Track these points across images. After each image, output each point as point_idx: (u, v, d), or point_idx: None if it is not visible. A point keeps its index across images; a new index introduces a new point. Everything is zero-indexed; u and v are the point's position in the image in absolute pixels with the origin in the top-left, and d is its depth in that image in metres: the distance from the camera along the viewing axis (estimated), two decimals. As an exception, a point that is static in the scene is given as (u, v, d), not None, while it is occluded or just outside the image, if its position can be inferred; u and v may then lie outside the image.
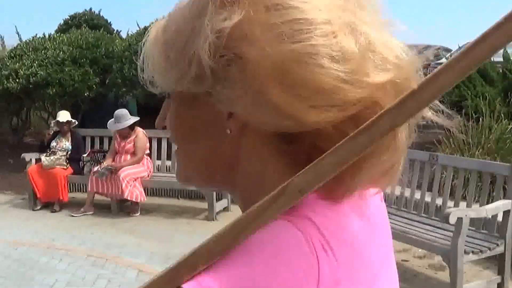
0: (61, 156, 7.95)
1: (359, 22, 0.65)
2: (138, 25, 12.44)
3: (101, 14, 16.23)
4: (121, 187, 7.32)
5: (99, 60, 9.69)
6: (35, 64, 9.55)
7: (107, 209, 7.76)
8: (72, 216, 7.62)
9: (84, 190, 8.33)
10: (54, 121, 8.27)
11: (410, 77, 0.64)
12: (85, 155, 8.07)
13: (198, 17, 0.66)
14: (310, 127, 0.63)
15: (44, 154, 8.01)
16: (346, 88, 0.62)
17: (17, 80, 9.47)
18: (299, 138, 0.65)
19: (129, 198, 7.41)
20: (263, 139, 0.68)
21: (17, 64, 9.86)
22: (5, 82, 9.74)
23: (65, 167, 7.98)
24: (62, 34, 10.57)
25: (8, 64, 10.08)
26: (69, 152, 8.02)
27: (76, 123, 8.37)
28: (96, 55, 9.66)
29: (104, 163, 7.59)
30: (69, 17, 15.81)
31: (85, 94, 9.47)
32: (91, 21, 15.71)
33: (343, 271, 0.63)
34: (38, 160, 8.22)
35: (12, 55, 10.43)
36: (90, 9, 16.15)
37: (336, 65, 0.62)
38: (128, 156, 7.62)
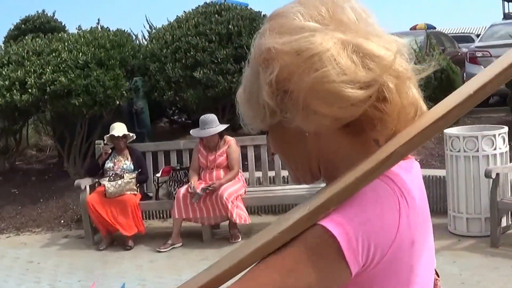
0: (131, 179, 6.12)
1: (347, 37, 0.96)
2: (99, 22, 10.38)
3: (55, 16, 14.01)
4: (228, 208, 5.68)
5: (127, 61, 7.81)
6: (48, 70, 7.52)
7: (195, 238, 6.07)
8: (160, 251, 5.86)
9: (157, 218, 6.57)
10: (107, 136, 6.41)
11: (393, 65, 0.96)
12: (158, 175, 6.28)
13: (257, 79, 1.00)
14: (344, 120, 0.96)
15: (107, 179, 6.15)
16: (351, 91, 0.93)
17: (29, 90, 7.39)
18: (352, 129, 0.99)
19: (237, 221, 5.77)
20: (331, 135, 1.01)
21: (19, 72, 7.76)
22: (6, 94, 7.63)
23: (135, 193, 6.17)
24: (75, 34, 8.51)
25: (3, 73, 7.93)
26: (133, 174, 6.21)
27: (134, 137, 6.54)
28: (124, 55, 7.78)
29: (193, 182, 5.88)
30: (20, 21, 13.56)
31: (117, 102, 7.58)
32: (47, 24, 13.57)
33: (410, 210, 0.97)
34: (92, 187, 6.35)
35: (4, 61, 8.26)
36: (43, 11, 13.90)
37: (340, 78, 0.93)
38: (221, 171, 5.97)
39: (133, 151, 6.50)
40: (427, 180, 6.01)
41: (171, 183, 6.17)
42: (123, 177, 6.13)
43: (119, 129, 6.40)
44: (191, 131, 6.21)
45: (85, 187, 6.25)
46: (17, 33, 12.97)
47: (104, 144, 6.53)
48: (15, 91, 7.62)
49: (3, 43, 12.47)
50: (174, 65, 7.42)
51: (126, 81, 7.65)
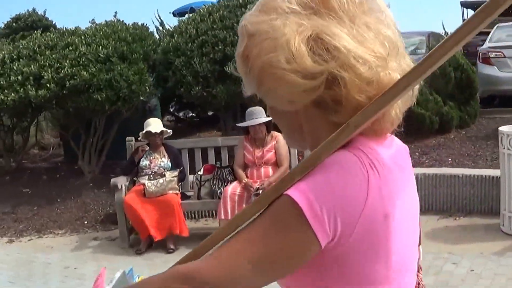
0: (173, 177, 5.71)
1: (320, 23, 0.95)
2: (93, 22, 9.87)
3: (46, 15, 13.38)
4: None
5: (149, 56, 7.35)
6: (66, 64, 7.01)
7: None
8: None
9: (193, 218, 6.18)
10: (142, 132, 5.97)
11: (348, 60, 0.94)
12: (200, 172, 5.88)
13: None
14: (300, 103, 1.00)
15: (146, 177, 5.71)
16: (297, 79, 0.94)
17: (47, 85, 6.87)
18: (323, 110, 1.00)
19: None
20: (309, 113, 1.02)
21: (32, 66, 7.22)
22: (20, 89, 7.08)
23: (177, 192, 5.76)
24: (91, 27, 7.98)
25: (14, 68, 7.37)
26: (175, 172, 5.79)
27: (171, 133, 6.12)
28: (146, 49, 7.31)
29: (245, 179, 5.51)
30: (11, 20, 12.90)
31: (141, 98, 7.13)
32: (39, 22, 12.94)
33: (383, 182, 0.97)
34: (128, 186, 5.91)
35: (14, 56, 7.69)
36: (34, 10, 13.23)
37: (287, 65, 0.94)
38: (269, 168, 5.62)
39: (169, 148, 6.08)
40: (477, 179, 5.81)
41: (215, 182, 5.78)
42: (164, 175, 5.71)
43: (155, 125, 5.98)
44: (238, 124, 5.85)
45: (121, 187, 5.80)
46: (8, 32, 12.38)
47: (138, 140, 6.09)
48: (29, 86, 7.09)
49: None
50: (201, 60, 7.02)
51: (149, 76, 7.20)
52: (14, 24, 12.82)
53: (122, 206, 5.73)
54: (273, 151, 5.63)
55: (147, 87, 7.09)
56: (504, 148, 5.30)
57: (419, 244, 1.14)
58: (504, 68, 9.01)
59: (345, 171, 0.94)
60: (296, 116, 1.04)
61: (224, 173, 5.77)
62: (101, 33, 7.44)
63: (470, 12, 27.12)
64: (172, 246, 5.63)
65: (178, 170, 5.83)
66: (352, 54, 0.94)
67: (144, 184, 5.68)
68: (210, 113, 9.46)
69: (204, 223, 6.33)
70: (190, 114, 10.01)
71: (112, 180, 5.85)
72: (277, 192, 0.94)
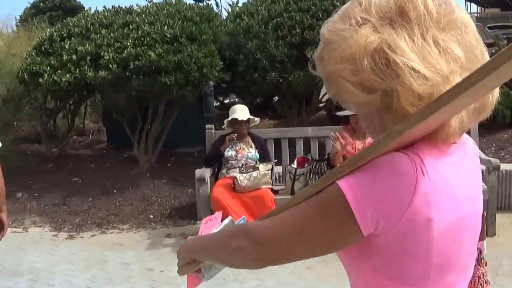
0: (268, 171, 5.03)
1: (389, 37, 1.00)
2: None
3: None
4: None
5: (218, 37, 6.63)
6: (128, 44, 6.27)
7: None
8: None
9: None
10: (227, 119, 5.29)
11: (407, 81, 0.99)
12: (294, 165, 5.20)
13: None
14: (364, 110, 1.08)
15: (237, 170, 5.04)
16: (356, 92, 1.02)
17: (109, 66, 6.14)
18: (391, 115, 1.03)
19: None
20: (380, 115, 1.07)
21: (88, 45, 6.48)
22: (75, 70, 6.35)
23: (271, 186, 5.09)
24: (150, 5, 7.21)
25: (66, 47, 6.63)
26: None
27: (258, 121, 5.44)
28: (215, 30, 6.59)
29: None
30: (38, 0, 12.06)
31: (210, 83, 6.44)
32: (68, 3, 12.12)
33: (432, 188, 1.00)
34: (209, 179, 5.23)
35: (64, 34, 6.94)
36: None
37: (351, 77, 1.01)
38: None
39: (255, 137, 5.41)
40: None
41: (311, 176, 5.11)
42: (257, 168, 5.03)
43: (242, 112, 5.29)
44: (337, 113, 5.19)
45: (207, 180, 5.11)
46: (35, 12, 11.54)
47: (222, 129, 5.41)
48: (85, 66, 6.35)
49: (19, 22, 11.11)
50: (277, 43, 6.33)
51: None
52: (41, 4, 11.98)
53: (208, 200, 5.04)
54: (376, 144, 4.96)
55: (216, 71, 6.38)
56: None
57: (483, 239, 1.22)
58: None
59: (395, 173, 0.99)
60: (369, 117, 1.09)
61: (322, 167, 5.11)
62: (164, 11, 6.70)
63: (474, 6, 26.73)
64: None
65: (272, 163, 5.17)
66: (410, 70, 0.97)
67: (234, 177, 5.00)
68: (259, 99, 8.79)
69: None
70: (235, 99, 9.30)
71: (199, 173, 5.14)
72: (330, 179, 1.03)
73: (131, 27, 6.55)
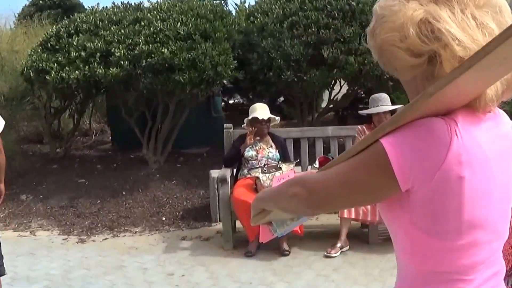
0: (290, 171, 4.84)
1: (432, 8, 1.12)
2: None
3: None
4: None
5: (232, 35, 6.43)
6: (140, 40, 6.06)
7: (356, 239, 4.90)
8: (328, 256, 4.65)
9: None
10: (247, 118, 5.10)
11: (450, 44, 1.10)
12: (316, 165, 5.02)
13: None
14: (411, 75, 1.18)
15: (259, 170, 4.85)
16: (405, 57, 1.13)
17: (121, 63, 5.92)
18: (430, 78, 1.14)
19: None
20: (426, 82, 1.16)
21: (97, 42, 6.25)
22: (84, 67, 6.11)
23: (294, 188, 4.90)
24: (160, 1, 6.99)
25: (74, 43, 6.40)
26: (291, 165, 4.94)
27: (279, 120, 5.26)
28: (229, 28, 6.39)
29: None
30: (37, -3, 11.75)
31: (224, 82, 6.24)
32: (68, 1, 11.81)
33: (465, 149, 1.11)
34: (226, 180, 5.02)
35: (71, 30, 6.70)
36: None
37: (400, 44, 1.13)
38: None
39: (275, 137, 5.22)
40: None
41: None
42: (280, 168, 4.84)
43: (262, 110, 5.11)
44: (360, 112, 5.03)
45: (228, 180, 4.91)
46: (34, 9, 11.25)
47: (241, 128, 5.23)
48: (95, 63, 6.12)
49: (18, 20, 10.81)
50: (292, 42, 6.15)
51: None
52: (40, 1, 11.67)
53: (229, 202, 4.84)
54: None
55: (230, 70, 6.18)
56: None
57: None
58: None
59: (430, 134, 1.10)
60: (414, 84, 1.20)
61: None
62: (177, 8, 6.49)
63: None
64: (286, 247, 4.78)
65: (295, 162, 4.99)
66: (452, 36, 1.08)
67: (257, 178, 4.80)
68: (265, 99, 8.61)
69: (316, 220, 5.45)
70: (239, 100, 9.11)
71: (220, 173, 4.94)
72: (374, 137, 1.14)
73: (142, 23, 6.33)
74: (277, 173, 4.79)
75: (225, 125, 5.40)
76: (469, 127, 1.13)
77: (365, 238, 4.97)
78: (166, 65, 5.93)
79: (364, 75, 6.07)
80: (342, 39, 6.12)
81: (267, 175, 4.79)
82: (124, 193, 6.34)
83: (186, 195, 6.24)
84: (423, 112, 1.12)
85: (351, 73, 6.04)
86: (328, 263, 4.62)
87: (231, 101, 9.22)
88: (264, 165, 4.92)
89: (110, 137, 8.16)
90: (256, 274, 4.48)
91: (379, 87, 6.11)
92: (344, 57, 6.02)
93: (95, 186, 6.53)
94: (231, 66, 6.12)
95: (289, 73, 6.14)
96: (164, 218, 5.85)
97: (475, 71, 0.98)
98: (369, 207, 4.64)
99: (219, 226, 5.50)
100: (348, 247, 4.80)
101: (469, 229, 1.16)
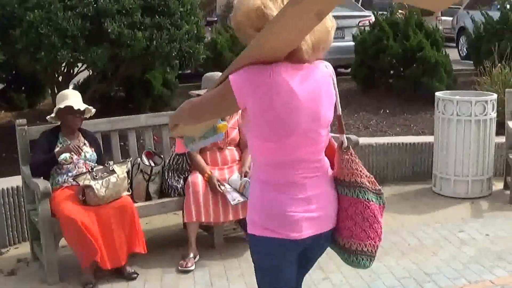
0: (126, 173, 3.84)
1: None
2: None
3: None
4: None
5: None
6: None
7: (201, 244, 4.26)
8: (186, 270, 3.95)
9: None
10: (56, 108, 3.88)
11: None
12: (146, 162, 4.08)
13: None
14: (253, 35, 1.74)
15: (87, 176, 3.73)
16: (252, 30, 1.77)
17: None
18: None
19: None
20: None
21: None
22: None
23: (129, 193, 3.95)
24: None
25: None
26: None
27: (94, 111, 4.08)
28: None
29: (207, 172, 4.05)
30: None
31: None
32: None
33: (275, 83, 1.75)
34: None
35: None
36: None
37: (248, 22, 1.79)
38: (235, 151, 4.31)
39: (87, 133, 4.11)
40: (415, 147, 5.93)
41: (170, 174, 4.10)
42: (114, 171, 3.79)
43: (75, 98, 3.92)
44: (190, 92, 4.24)
45: (51, 193, 3.61)
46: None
47: (48, 120, 3.94)
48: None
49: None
50: (65, 14, 4.89)
51: None
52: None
53: (52, 221, 3.60)
54: (237, 128, 4.30)
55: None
56: (439, 113, 5.32)
57: (342, 133, 1.96)
58: None
59: (257, 71, 1.74)
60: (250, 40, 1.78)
61: (182, 162, 4.15)
62: None
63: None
64: (129, 270, 3.83)
65: (128, 162, 3.99)
66: (272, 15, 1.70)
67: (86, 186, 3.65)
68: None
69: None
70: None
71: (38, 183, 3.57)
72: (226, 74, 1.80)
73: None
74: (112, 178, 3.74)
75: (17, 121, 3.95)
76: (281, 70, 1.74)
77: (210, 241, 4.31)
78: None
79: (153, 52, 5.24)
80: (124, 11, 5.15)
81: (99, 181, 3.69)
82: None
83: None
84: (255, 58, 1.72)
85: (138, 50, 5.14)
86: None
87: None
88: (92, 168, 3.79)
89: None
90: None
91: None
92: (129, 32, 5.06)
93: None
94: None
95: (65, 52, 4.88)
96: None
97: (278, 27, 1.56)
98: (211, 208, 4.00)
99: (13, 251, 4.14)
100: (198, 256, 4.09)
101: (283, 134, 1.78)
